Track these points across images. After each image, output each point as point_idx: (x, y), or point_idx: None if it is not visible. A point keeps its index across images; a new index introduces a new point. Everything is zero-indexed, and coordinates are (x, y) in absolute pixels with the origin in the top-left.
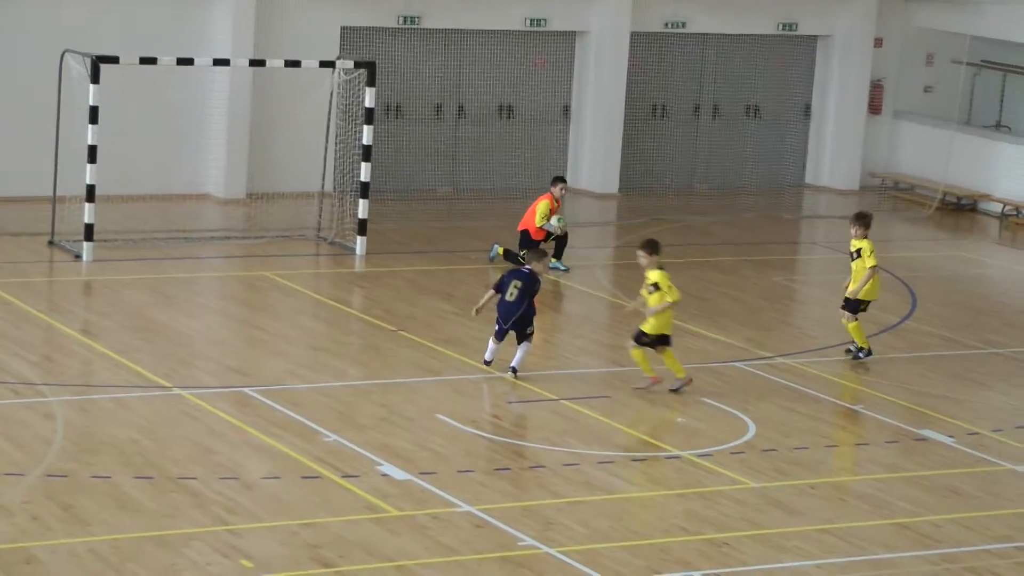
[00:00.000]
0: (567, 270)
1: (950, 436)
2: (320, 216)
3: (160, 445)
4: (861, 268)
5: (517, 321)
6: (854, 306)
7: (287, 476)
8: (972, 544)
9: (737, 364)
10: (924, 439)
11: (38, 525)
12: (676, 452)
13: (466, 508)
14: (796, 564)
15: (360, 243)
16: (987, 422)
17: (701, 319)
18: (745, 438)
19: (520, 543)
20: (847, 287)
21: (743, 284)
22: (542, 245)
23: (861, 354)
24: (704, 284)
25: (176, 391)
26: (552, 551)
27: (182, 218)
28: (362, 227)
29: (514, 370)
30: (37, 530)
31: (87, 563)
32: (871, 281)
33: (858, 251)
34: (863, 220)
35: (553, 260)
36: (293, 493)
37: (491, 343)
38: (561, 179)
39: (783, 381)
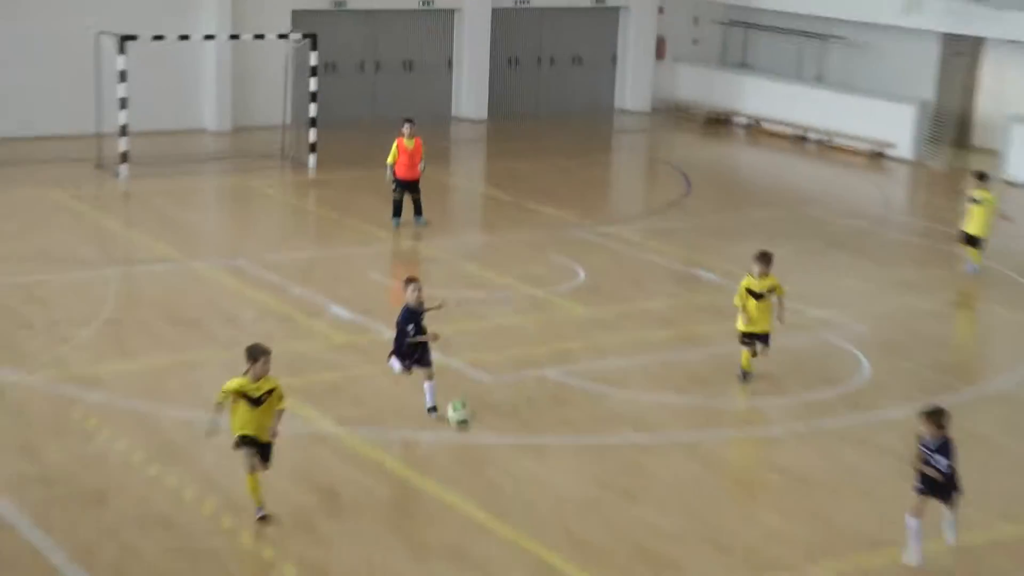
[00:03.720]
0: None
1: (714, 274)
2: (283, 142)
3: (181, 300)
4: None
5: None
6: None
7: (267, 318)
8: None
9: (573, 230)
10: (697, 277)
11: (100, 357)
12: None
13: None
14: (619, 362)
15: (312, 159)
16: (741, 264)
17: (545, 199)
18: (578, 279)
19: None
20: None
21: (574, 174)
22: None
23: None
24: (546, 176)
25: (190, 263)
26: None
27: (188, 146)
28: (312, 148)
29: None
30: (100, 361)
31: (137, 381)
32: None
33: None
34: (766, 259)
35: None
36: (272, 328)
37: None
38: (408, 120)
39: (604, 242)
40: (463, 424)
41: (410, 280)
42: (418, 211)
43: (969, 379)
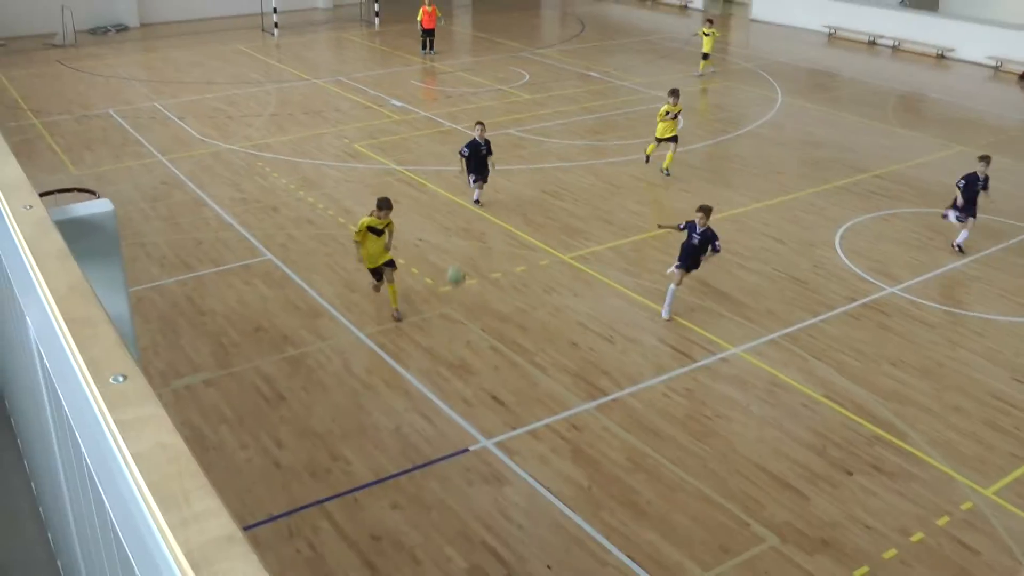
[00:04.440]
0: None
1: (598, 73)
2: (360, 11)
3: (309, 100)
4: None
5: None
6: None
7: (356, 108)
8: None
9: (522, 52)
10: (590, 76)
11: (268, 133)
12: (503, 86)
13: (426, 115)
14: (549, 124)
15: (376, 20)
16: (615, 67)
17: (506, 36)
18: (525, 79)
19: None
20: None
21: (524, 22)
22: None
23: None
24: (507, 23)
25: (314, 80)
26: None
27: (310, 16)
28: (376, 13)
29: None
30: (268, 135)
31: (288, 145)
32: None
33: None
34: (676, 93)
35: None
36: (359, 113)
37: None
38: None
39: (539, 59)
40: (455, 282)
41: (479, 122)
42: (432, 47)
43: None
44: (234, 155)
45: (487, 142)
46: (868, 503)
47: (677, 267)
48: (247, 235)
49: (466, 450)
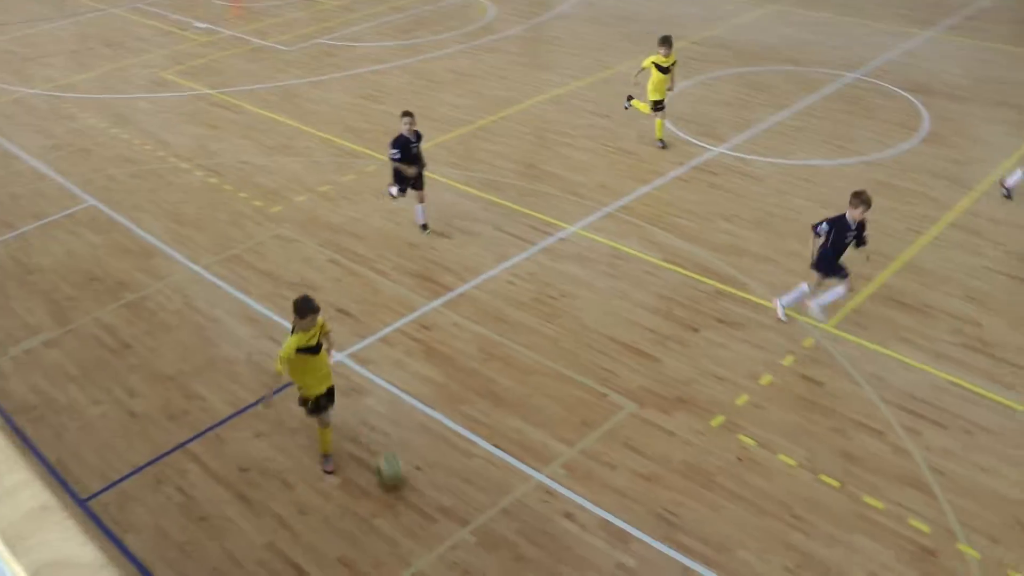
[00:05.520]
0: None
1: None
2: None
3: None
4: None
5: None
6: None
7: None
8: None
9: None
10: None
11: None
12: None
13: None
14: (359, 29)
15: None
16: None
17: None
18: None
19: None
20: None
21: None
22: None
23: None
24: None
25: (113, 10)
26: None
27: None
28: None
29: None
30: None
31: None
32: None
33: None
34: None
35: None
36: None
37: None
38: None
39: None
40: (385, 474)
41: (406, 113)
42: None
43: (545, 9)
44: (37, 99)
45: (419, 136)
46: (717, 355)
47: (815, 270)
48: (65, 182)
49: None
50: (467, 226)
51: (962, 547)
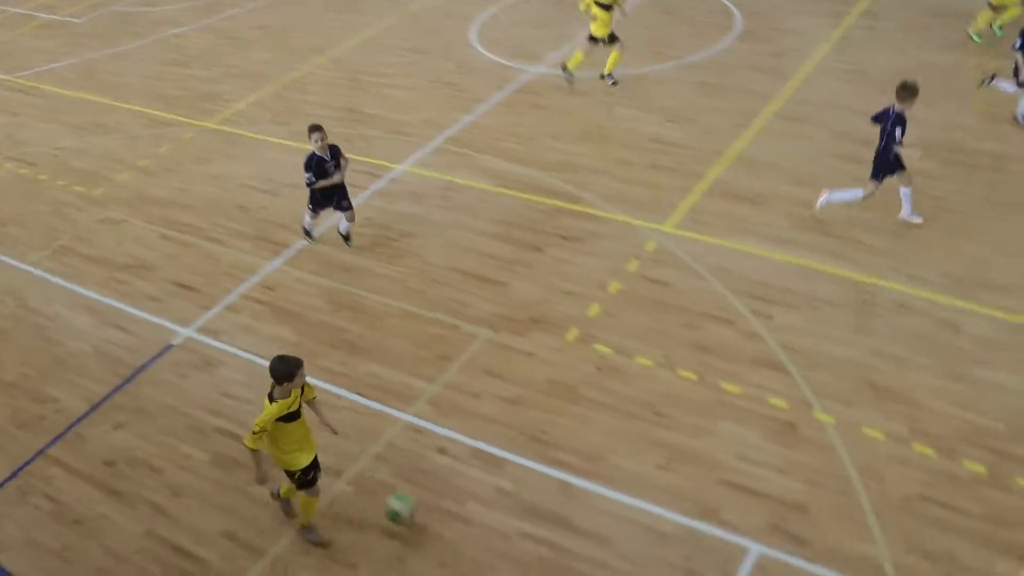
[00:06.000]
0: None
1: None
2: None
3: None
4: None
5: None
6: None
7: None
8: None
9: None
10: None
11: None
12: None
13: None
14: None
15: None
16: None
17: None
18: None
19: None
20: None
21: None
22: None
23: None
24: None
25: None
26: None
27: None
28: None
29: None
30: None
31: None
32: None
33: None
34: None
35: None
36: None
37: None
38: None
39: None
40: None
41: (314, 128)
42: None
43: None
44: None
45: (336, 152)
46: (563, 271)
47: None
48: None
49: (170, 346)
50: (296, 180)
51: (818, 415)
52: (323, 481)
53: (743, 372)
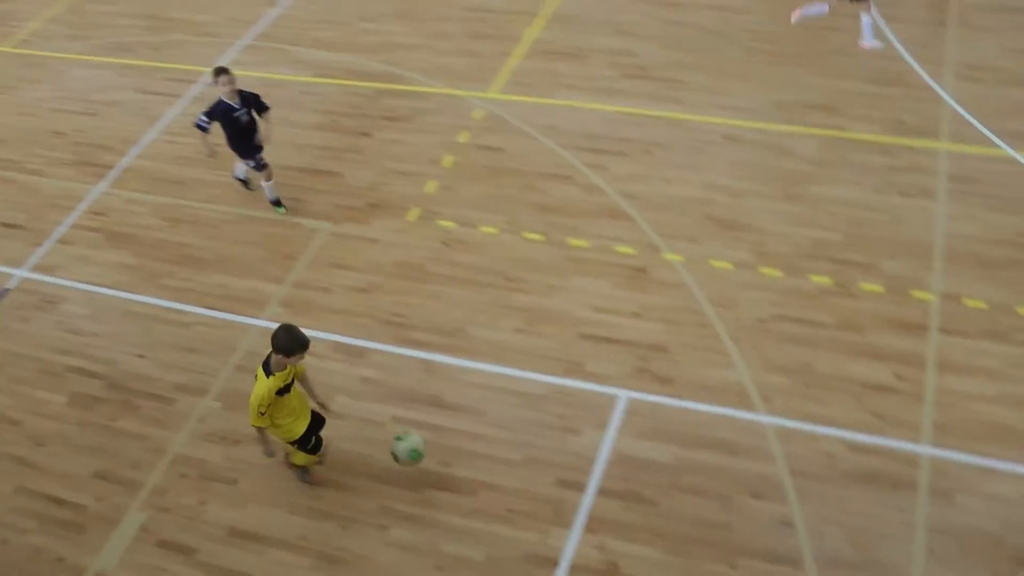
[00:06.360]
0: None
1: None
2: None
3: None
4: None
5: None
6: None
7: None
8: None
9: None
10: None
11: None
12: None
13: None
14: None
15: None
16: None
17: None
18: None
19: None
20: None
21: None
22: None
23: None
24: None
25: None
26: None
27: None
28: None
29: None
30: None
31: None
32: None
33: None
34: None
35: None
36: None
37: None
38: None
39: None
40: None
41: (220, 71)
42: None
43: None
44: None
45: (249, 99)
46: (395, 152)
47: None
48: None
49: (6, 290)
50: (109, 97)
51: (666, 255)
52: (188, 401)
53: (588, 225)
